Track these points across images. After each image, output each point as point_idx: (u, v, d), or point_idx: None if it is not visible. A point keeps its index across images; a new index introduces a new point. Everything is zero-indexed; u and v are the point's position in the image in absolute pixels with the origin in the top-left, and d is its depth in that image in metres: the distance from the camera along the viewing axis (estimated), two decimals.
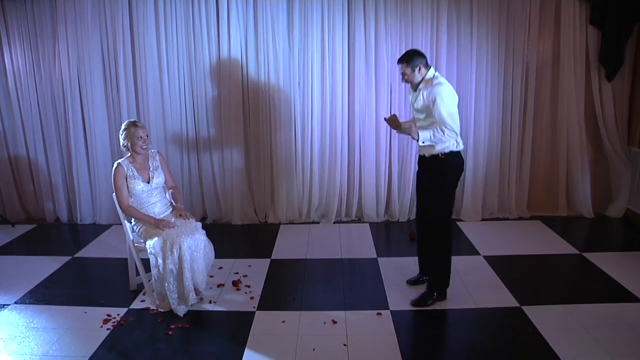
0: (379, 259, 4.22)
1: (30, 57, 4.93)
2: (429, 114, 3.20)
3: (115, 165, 3.46)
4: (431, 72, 3.25)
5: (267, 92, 4.90)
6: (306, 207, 5.17)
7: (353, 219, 5.21)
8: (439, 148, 3.21)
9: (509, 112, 4.94)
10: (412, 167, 4.98)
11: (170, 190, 3.76)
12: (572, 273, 3.98)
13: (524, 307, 3.34)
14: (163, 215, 3.55)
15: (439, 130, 3.11)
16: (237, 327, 3.20)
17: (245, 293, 3.66)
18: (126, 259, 3.75)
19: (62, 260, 4.29)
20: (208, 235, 3.49)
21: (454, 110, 3.15)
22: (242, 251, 4.44)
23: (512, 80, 4.87)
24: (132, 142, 3.44)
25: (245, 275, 3.93)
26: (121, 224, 3.62)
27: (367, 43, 4.80)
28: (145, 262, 3.48)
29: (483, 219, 5.09)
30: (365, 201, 5.12)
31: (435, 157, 3.26)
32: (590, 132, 4.98)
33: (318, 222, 5.17)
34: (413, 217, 5.12)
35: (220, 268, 4.01)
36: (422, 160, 3.41)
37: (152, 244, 3.28)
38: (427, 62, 3.25)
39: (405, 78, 3.28)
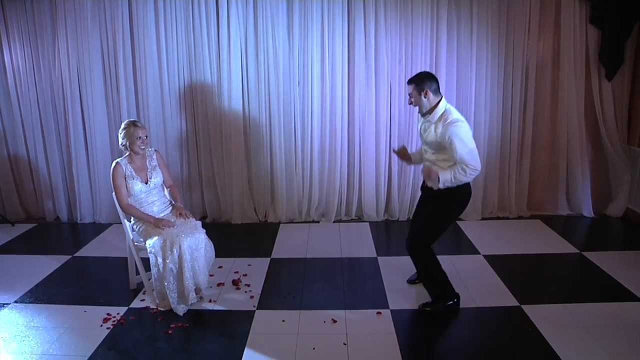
0: (378, 258, 4.22)
1: (30, 56, 4.93)
2: (440, 149, 3.09)
3: (113, 164, 3.46)
4: (443, 104, 3.09)
5: (267, 92, 4.89)
6: (306, 206, 5.17)
7: (353, 218, 5.21)
8: (441, 185, 3.05)
9: (509, 112, 4.94)
10: (412, 166, 4.97)
11: (169, 189, 3.77)
12: (572, 272, 3.98)
13: (523, 306, 3.34)
14: (162, 214, 3.55)
15: (460, 171, 2.95)
16: (237, 326, 3.20)
17: (245, 292, 3.66)
18: (126, 258, 3.75)
19: (62, 259, 4.30)
20: (208, 234, 3.50)
21: (472, 146, 2.99)
22: (242, 250, 4.44)
23: (512, 79, 4.87)
24: (130, 142, 3.44)
25: (245, 275, 3.93)
26: (121, 223, 3.62)
27: (367, 43, 4.79)
28: (145, 261, 3.48)
29: (483, 218, 5.09)
30: (365, 200, 5.12)
31: (444, 189, 3.09)
32: (590, 132, 4.98)
33: (318, 221, 5.17)
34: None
35: (220, 267, 4.01)
36: (428, 189, 3.27)
37: (152, 243, 3.28)
38: (437, 88, 3.11)
39: (411, 100, 3.16)
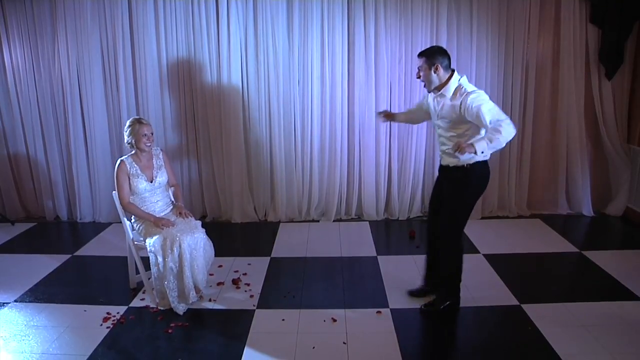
0: (378, 257, 4.23)
1: (30, 55, 4.92)
2: (456, 124, 2.97)
3: (118, 162, 3.46)
4: (456, 78, 2.98)
5: (267, 91, 4.89)
6: (306, 205, 5.17)
7: (353, 217, 5.21)
8: (464, 158, 2.91)
9: (509, 111, 4.92)
10: (412, 165, 4.98)
11: (172, 188, 3.77)
12: (572, 271, 3.99)
13: (523, 305, 3.34)
14: (163, 213, 3.55)
15: (494, 132, 2.74)
16: (237, 325, 3.20)
17: (245, 291, 3.66)
18: (126, 257, 3.75)
19: (62, 258, 4.30)
20: (208, 233, 3.50)
21: (493, 106, 2.84)
22: (241, 249, 4.45)
23: (512, 78, 4.87)
24: (136, 139, 3.43)
25: (245, 274, 3.93)
26: (121, 222, 3.61)
27: (367, 42, 4.79)
28: (145, 260, 3.49)
29: (483, 217, 5.09)
30: (365, 199, 5.12)
31: (459, 168, 3.03)
32: (590, 131, 4.98)
33: (318, 221, 5.17)
34: (413, 215, 5.13)
35: (220, 266, 4.01)
36: (444, 169, 3.16)
37: (152, 242, 3.28)
38: (449, 64, 2.99)
39: (419, 73, 3.04)
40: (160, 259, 3.25)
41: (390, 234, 4.90)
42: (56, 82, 4.94)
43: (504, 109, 4.87)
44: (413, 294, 3.52)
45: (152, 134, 3.50)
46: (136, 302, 3.51)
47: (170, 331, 3.13)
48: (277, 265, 4.12)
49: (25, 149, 5.19)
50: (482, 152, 2.79)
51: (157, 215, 3.48)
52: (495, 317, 3.26)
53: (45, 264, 4.17)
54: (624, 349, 2.83)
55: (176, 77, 4.90)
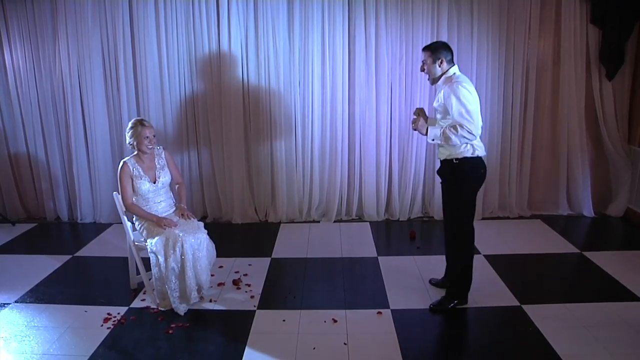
0: (379, 257, 4.22)
1: (31, 55, 4.93)
2: (445, 113, 3.08)
3: (121, 163, 3.46)
4: (453, 69, 3.11)
5: (268, 91, 4.89)
6: (306, 205, 5.17)
7: (353, 217, 5.21)
8: (452, 152, 3.09)
9: (510, 111, 4.94)
10: (413, 165, 4.98)
11: (177, 186, 3.77)
12: (573, 272, 3.98)
13: (524, 306, 3.34)
14: (166, 214, 3.55)
15: (452, 129, 2.95)
16: (238, 326, 3.20)
17: (246, 292, 3.66)
18: (126, 258, 3.75)
19: (63, 259, 4.30)
20: (208, 234, 3.50)
21: (472, 108, 2.95)
22: (242, 250, 4.45)
23: (512, 79, 4.87)
24: (138, 141, 3.43)
25: (246, 274, 3.93)
26: (121, 222, 3.62)
27: (368, 42, 4.79)
28: (146, 261, 3.49)
29: (483, 218, 5.09)
30: (365, 200, 5.12)
31: (448, 162, 3.15)
32: (591, 131, 4.98)
33: (318, 221, 5.17)
34: (413, 216, 5.13)
35: (221, 267, 4.01)
36: (440, 165, 3.29)
37: (153, 243, 3.28)
38: (452, 58, 3.12)
39: (423, 67, 3.15)
40: (162, 259, 3.25)
41: (391, 234, 4.90)
42: (57, 83, 4.95)
43: (504, 109, 4.92)
44: (434, 283, 3.63)
45: (154, 136, 3.49)
46: (137, 303, 3.51)
47: (170, 332, 3.13)
48: (278, 266, 4.12)
49: (26, 149, 5.19)
50: (433, 140, 3.04)
51: (160, 216, 3.48)
52: (496, 317, 3.26)
53: (46, 264, 4.17)
54: (624, 350, 2.83)
55: (177, 78, 4.90)
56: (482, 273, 3.87)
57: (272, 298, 3.56)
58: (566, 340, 2.92)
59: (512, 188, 5.10)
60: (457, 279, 3.34)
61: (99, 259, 4.35)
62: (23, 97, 5.02)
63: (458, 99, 2.94)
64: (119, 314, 3.35)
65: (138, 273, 3.66)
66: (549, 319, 3.16)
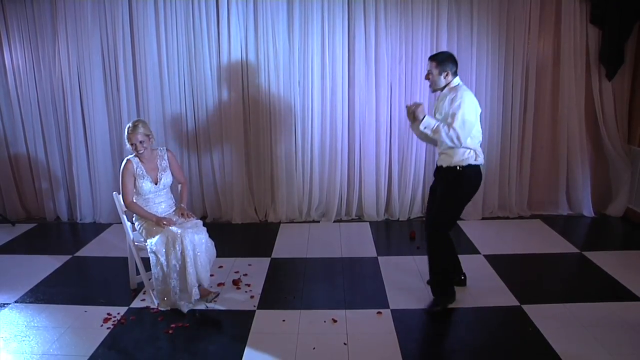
0: (379, 257, 4.22)
1: (30, 56, 4.93)
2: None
3: (124, 161, 3.46)
4: (456, 80, 3.18)
5: (267, 91, 4.89)
6: (306, 206, 5.17)
7: (353, 217, 5.21)
8: (457, 159, 3.14)
9: (510, 111, 4.94)
10: (412, 166, 4.98)
11: (179, 185, 3.78)
12: (573, 272, 3.98)
13: (524, 306, 3.34)
14: (166, 215, 3.55)
15: (444, 127, 3.03)
16: (238, 326, 3.20)
17: (246, 292, 3.66)
18: (126, 258, 3.75)
19: (63, 259, 4.30)
20: (208, 234, 3.49)
21: (469, 118, 3.02)
22: (242, 250, 4.44)
23: (512, 79, 4.87)
24: (131, 146, 3.44)
25: (246, 274, 3.93)
26: (121, 222, 3.61)
27: (367, 42, 4.79)
28: (146, 261, 3.49)
29: (483, 218, 5.09)
30: (365, 200, 5.12)
31: (452, 169, 3.18)
32: (591, 131, 4.98)
33: (318, 221, 5.17)
34: (413, 216, 5.13)
35: (221, 267, 4.00)
36: (439, 170, 3.31)
37: (153, 242, 3.28)
38: (456, 70, 3.18)
39: (429, 76, 3.20)
40: (162, 258, 3.26)
41: (391, 234, 4.90)
42: (57, 83, 4.95)
43: (504, 109, 4.93)
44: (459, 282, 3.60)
45: (141, 142, 3.39)
46: (137, 303, 3.51)
47: (170, 332, 3.13)
48: (278, 266, 4.12)
49: (26, 150, 5.19)
50: (425, 128, 3.08)
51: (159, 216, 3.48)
52: (496, 317, 3.26)
53: (46, 264, 4.17)
54: (624, 350, 2.83)
55: (176, 77, 4.90)
56: (482, 273, 3.87)
57: (272, 298, 3.56)
58: (566, 340, 2.92)
59: (512, 188, 5.10)
60: (440, 277, 3.35)
61: (98, 259, 4.35)
62: (23, 97, 5.02)
63: (460, 105, 3.02)
64: (118, 314, 3.35)
65: (138, 273, 3.66)
66: (549, 319, 3.16)
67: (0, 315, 3.37)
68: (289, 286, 3.73)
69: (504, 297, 3.48)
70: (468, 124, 3.04)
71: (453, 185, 3.21)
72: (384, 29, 4.75)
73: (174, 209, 3.66)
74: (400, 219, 5.12)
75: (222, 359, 2.88)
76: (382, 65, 4.82)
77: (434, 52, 4.71)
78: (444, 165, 3.22)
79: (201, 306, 3.43)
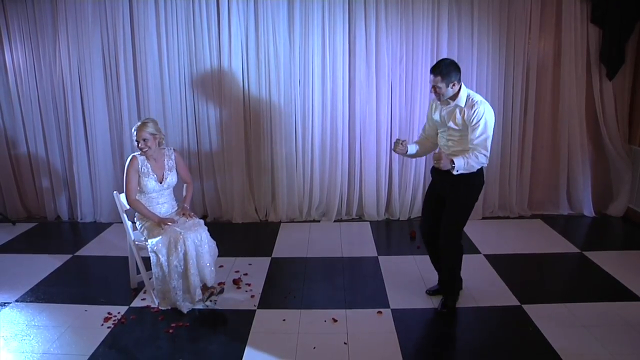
0: (379, 257, 4.22)
1: (31, 55, 4.93)
2: (463, 136, 3.05)
3: (130, 157, 3.47)
4: (464, 88, 3.06)
5: (268, 90, 4.89)
6: (307, 205, 5.17)
7: (354, 217, 5.21)
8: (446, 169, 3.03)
9: (510, 111, 4.94)
10: (413, 165, 4.98)
11: (185, 185, 3.79)
12: (573, 272, 3.98)
13: (524, 306, 3.34)
14: (168, 215, 3.55)
15: (473, 157, 2.93)
16: (238, 325, 3.20)
17: (246, 291, 3.66)
18: (127, 257, 3.75)
19: (63, 258, 4.30)
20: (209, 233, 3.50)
21: (491, 133, 2.98)
22: (242, 250, 4.44)
23: (512, 79, 4.87)
24: (137, 143, 3.44)
25: (246, 274, 3.93)
26: (122, 222, 3.61)
27: (368, 42, 4.79)
28: (146, 261, 3.49)
29: (484, 218, 5.09)
30: (365, 199, 5.12)
31: (465, 175, 3.04)
32: (591, 131, 4.98)
33: (319, 221, 5.17)
34: (414, 215, 5.13)
35: (221, 266, 4.00)
36: (447, 174, 3.05)
37: (155, 242, 3.28)
38: (460, 76, 3.03)
39: (436, 91, 3.03)
40: (163, 258, 3.26)
41: (391, 234, 4.90)
42: (57, 82, 4.95)
43: (505, 109, 4.93)
44: (432, 292, 3.54)
45: (145, 140, 3.39)
46: (137, 302, 3.51)
47: (171, 331, 3.13)
48: (278, 266, 4.12)
49: (27, 149, 5.20)
50: (457, 172, 2.95)
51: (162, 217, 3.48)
52: (496, 317, 3.26)
53: (46, 264, 4.17)
54: (625, 349, 2.83)
55: (177, 77, 4.90)
56: (482, 273, 3.87)
57: (272, 298, 3.56)
58: (566, 340, 2.92)
59: (513, 188, 5.10)
60: (453, 278, 3.33)
61: (99, 258, 4.35)
62: (23, 96, 5.02)
63: (485, 124, 2.95)
64: (119, 313, 3.35)
65: (138, 272, 3.66)
66: (549, 318, 3.16)
67: (0, 314, 3.38)
68: (289, 286, 3.73)
69: (505, 297, 3.48)
70: (490, 139, 2.99)
71: (467, 191, 3.14)
72: (384, 29, 4.75)
73: (176, 210, 3.66)
74: (400, 219, 5.12)
75: (222, 358, 2.88)
76: (383, 64, 4.82)
77: (434, 52, 4.79)
78: (456, 172, 3.04)
79: (202, 305, 3.43)
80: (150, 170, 3.47)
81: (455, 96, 3.05)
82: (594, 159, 5.05)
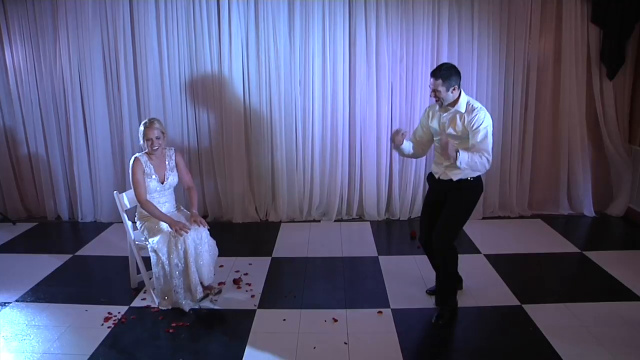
0: (379, 257, 4.22)
1: (31, 54, 4.93)
2: (463, 141, 3.03)
3: (132, 159, 3.46)
4: (464, 94, 3.05)
5: (268, 91, 4.89)
6: (307, 205, 5.17)
7: (354, 217, 5.21)
8: (468, 172, 3.05)
9: (510, 111, 4.94)
10: (413, 165, 4.98)
11: (187, 191, 3.77)
12: (573, 272, 3.98)
13: (524, 306, 3.34)
14: (169, 214, 3.54)
15: (479, 157, 2.90)
16: (238, 325, 3.20)
17: (246, 291, 3.66)
18: (127, 257, 3.75)
19: (63, 258, 4.30)
20: (209, 233, 3.49)
21: (491, 140, 2.99)
22: (243, 249, 4.44)
23: (513, 79, 4.87)
24: (144, 142, 3.43)
25: (246, 274, 3.93)
26: (122, 222, 3.61)
27: (368, 42, 4.79)
28: (147, 260, 3.49)
29: (484, 218, 5.09)
30: (366, 199, 5.12)
31: (464, 181, 3.09)
32: (592, 131, 4.98)
33: (319, 221, 5.17)
34: (414, 215, 5.13)
35: (221, 266, 4.01)
36: (446, 183, 3.13)
37: (155, 241, 3.28)
38: (460, 81, 3.02)
39: (436, 94, 3.01)
40: (164, 257, 3.26)
41: (392, 234, 4.90)
42: (58, 82, 4.95)
43: (505, 108, 4.93)
44: (432, 292, 3.51)
45: (156, 138, 3.41)
46: (137, 302, 3.51)
47: (171, 331, 3.13)
48: (278, 266, 4.12)
49: (27, 149, 5.20)
50: (460, 164, 2.90)
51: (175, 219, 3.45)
52: (497, 317, 3.26)
53: (47, 263, 4.17)
54: (625, 349, 2.83)
55: (177, 77, 4.90)
56: (482, 273, 3.87)
57: (272, 297, 3.56)
58: (566, 340, 2.92)
59: (513, 187, 5.10)
60: (448, 284, 3.28)
61: (99, 258, 4.35)
62: (24, 96, 5.02)
63: (486, 130, 2.95)
64: (119, 313, 3.35)
65: (138, 272, 3.66)
66: (550, 318, 3.16)
67: (1, 314, 3.38)
68: (289, 285, 3.73)
69: (505, 297, 3.48)
70: (491, 147, 2.99)
71: (466, 197, 3.13)
72: (384, 29, 4.75)
73: (176, 209, 3.67)
74: (400, 219, 5.12)
75: (222, 358, 2.88)
76: (383, 64, 4.81)
77: (435, 52, 4.79)
78: (455, 179, 3.10)
79: (202, 305, 3.43)
80: (152, 170, 3.47)
81: (455, 102, 3.05)
82: (594, 159, 5.05)
